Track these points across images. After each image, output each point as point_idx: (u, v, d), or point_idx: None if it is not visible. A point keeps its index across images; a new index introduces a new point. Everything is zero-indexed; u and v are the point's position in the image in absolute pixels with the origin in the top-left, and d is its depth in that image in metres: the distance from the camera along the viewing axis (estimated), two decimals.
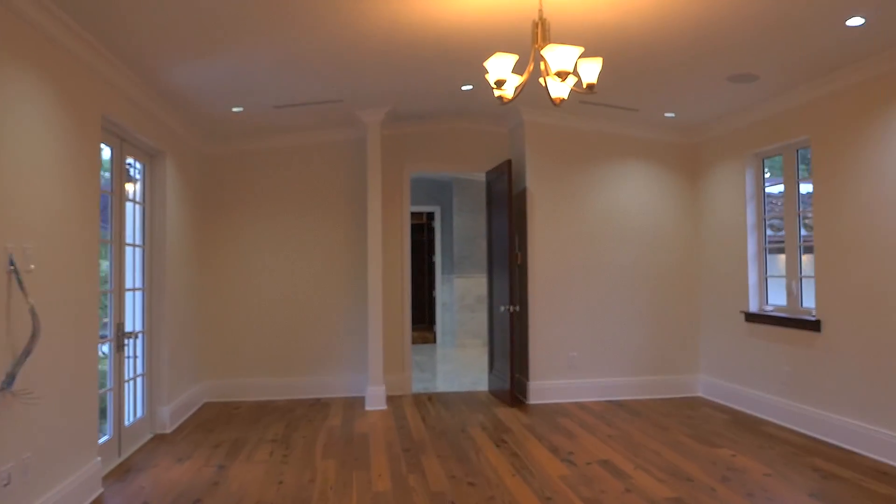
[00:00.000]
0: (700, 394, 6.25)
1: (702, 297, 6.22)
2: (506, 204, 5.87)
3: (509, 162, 5.84)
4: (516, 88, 3.37)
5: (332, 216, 6.39)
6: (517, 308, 5.83)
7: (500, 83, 3.19)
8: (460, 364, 8.47)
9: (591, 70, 3.22)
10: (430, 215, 11.42)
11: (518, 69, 3.84)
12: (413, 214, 14.39)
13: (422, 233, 13.65)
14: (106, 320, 4.28)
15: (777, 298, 5.42)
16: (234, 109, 5.23)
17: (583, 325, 6.07)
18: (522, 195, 6.15)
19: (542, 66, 3.30)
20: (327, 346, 6.35)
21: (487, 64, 3.19)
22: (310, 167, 6.40)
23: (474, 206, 10.39)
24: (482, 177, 10.18)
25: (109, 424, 4.27)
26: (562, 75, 3.04)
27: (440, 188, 10.81)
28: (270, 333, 6.30)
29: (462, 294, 10.27)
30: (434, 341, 11.00)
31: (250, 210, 6.33)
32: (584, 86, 3.25)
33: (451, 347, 10.26)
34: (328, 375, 6.34)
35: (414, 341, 11.16)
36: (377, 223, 5.84)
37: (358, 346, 6.36)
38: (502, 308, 5.87)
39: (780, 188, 5.36)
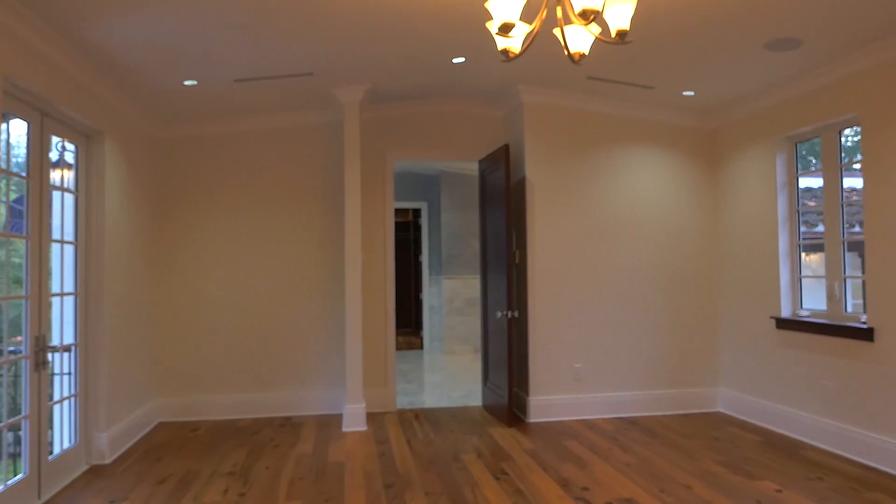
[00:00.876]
0: (720, 409, 5.56)
1: (723, 300, 5.54)
2: (502, 196, 5.16)
3: (506, 147, 5.12)
4: (525, 39, 2.65)
5: (305, 211, 5.65)
6: (516, 314, 5.12)
7: (506, 28, 2.47)
8: (450, 373, 7.74)
9: (621, 14, 2.51)
10: (417, 212, 10.69)
11: (527, 18, 3.13)
12: (398, 211, 13.69)
13: (407, 231, 12.91)
14: (19, 337, 3.50)
15: (812, 302, 4.74)
16: (187, 83, 4.47)
17: (589, 332, 5.37)
18: (521, 186, 5.44)
19: (559, 13, 2.60)
20: (300, 357, 5.60)
21: (490, 5, 2.47)
22: (280, 156, 5.65)
23: (464, 202, 9.68)
24: (473, 170, 9.55)
25: (25, 460, 3.50)
26: (587, 15, 2.33)
27: (427, 183, 10.09)
28: (235, 343, 5.54)
29: (451, 296, 9.55)
30: (421, 347, 10.27)
31: (213, 204, 5.56)
32: (614, 34, 2.54)
33: (440, 354, 9.54)
34: (301, 390, 5.59)
35: (399, 347, 10.44)
36: (356, 218, 5.10)
37: (335, 357, 5.62)
38: (499, 314, 5.16)
39: (811, 181, 4.69)
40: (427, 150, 5.87)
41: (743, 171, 5.26)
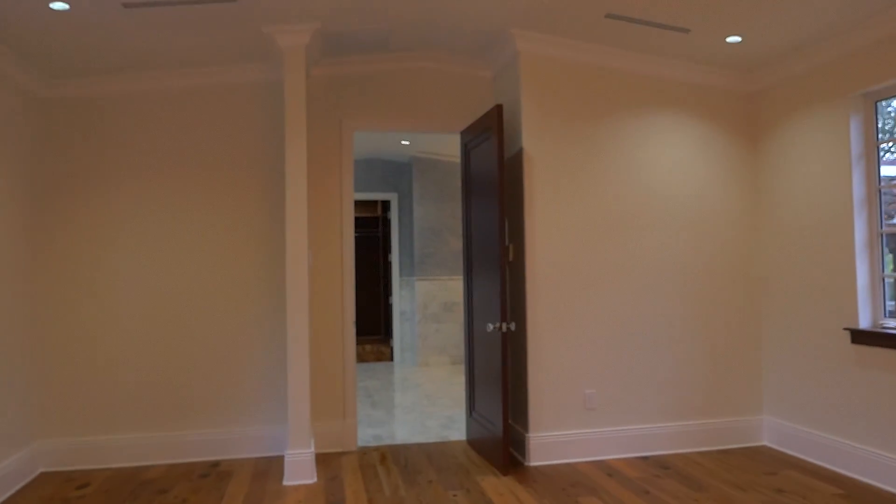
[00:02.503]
0: (765, 443, 4.44)
1: (771, 306, 4.42)
2: (492, 175, 3.96)
3: (499, 109, 3.93)
4: None
5: (240, 198, 4.38)
6: (511, 326, 3.93)
7: None
8: (425, 392, 6.53)
9: None
10: (386, 205, 9.47)
11: None
12: (364, 204, 12.44)
13: (375, 227, 11.66)
14: None
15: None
16: (55, 6, 3.18)
17: (604, 349, 4.20)
18: (516, 162, 4.25)
19: None
20: (233, 383, 4.33)
21: None
22: (205, 125, 4.37)
23: (439, 193, 8.47)
24: (450, 154, 8.28)
25: None
26: None
27: (396, 171, 8.86)
28: (146, 368, 4.25)
29: (425, 301, 8.34)
30: (391, 358, 9.03)
31: (114, 189, 4.26)
32: None
33: (412, 366, 8.31)
34: (232, 426, 4.32)
35: (366, 358, 9.21)
36: (300, 206, 3.84)
37: (280, 383, 4.37)
38: (489, 326, 3.95)
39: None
40: (395, 118, 4.64)
41: (798, 142, 4.14)
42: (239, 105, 4.40)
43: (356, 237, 11.36)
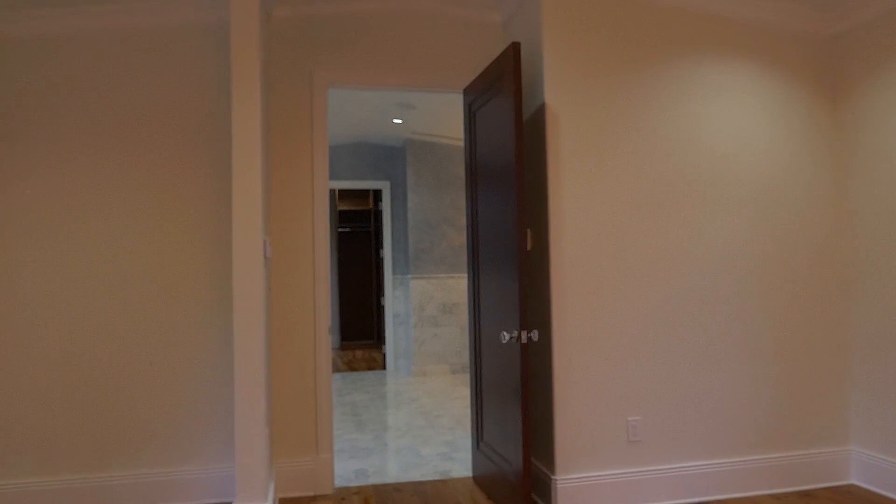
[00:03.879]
0: (854, 481, 3.50)
1: (860, 309, 3.47)
2: (506, 139, 3.00)
3: (515, 48, 2.97)
4: None
5: (178, 180, 3.41)
6: (533, 336, 2.97)
7: None
8: (421, 409, 5.57)
9: None
10: (377, 195, 8.52)
11: None
12: (355, 196, 11.41)
13: (367, 220, 10.70)
14: None
15: None
16: None
17: (650, 364, 3.25)
18: (537, 122, 3.30)
19: None
20: (170, 414, 3.36)
21: None
22: (140, 78, 3.40)
23: (437, 180, 7.51)
24: (449, 135, 7.05)
25: None
26: None
27: (388, 156, 7.91)
28: (56, 393, 3.28)
29: (421, 302, 7.38)
30: (383, 366, 8.08)
31: (16, 157, 3.30)
32: None
33: (407, 376, 7.35)
34: (171, 467, 3.35)
35: (356, 366, 8.21)
36: (251, 180, 2.88)
37: (230, 412, 3.40)
38: (505, 336, 2.99)
39: None
40: (381, 72, 3.69)
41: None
42: (182, 55, 3.43)
43: (345, 232, 10.40)
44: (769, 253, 3.44)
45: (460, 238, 7.53)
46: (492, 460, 3.34)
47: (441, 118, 6.50)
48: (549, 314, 3.15)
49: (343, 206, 10.59)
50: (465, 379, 7.06)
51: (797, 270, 3.48)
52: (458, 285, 7.47)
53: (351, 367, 8.27)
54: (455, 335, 7.46)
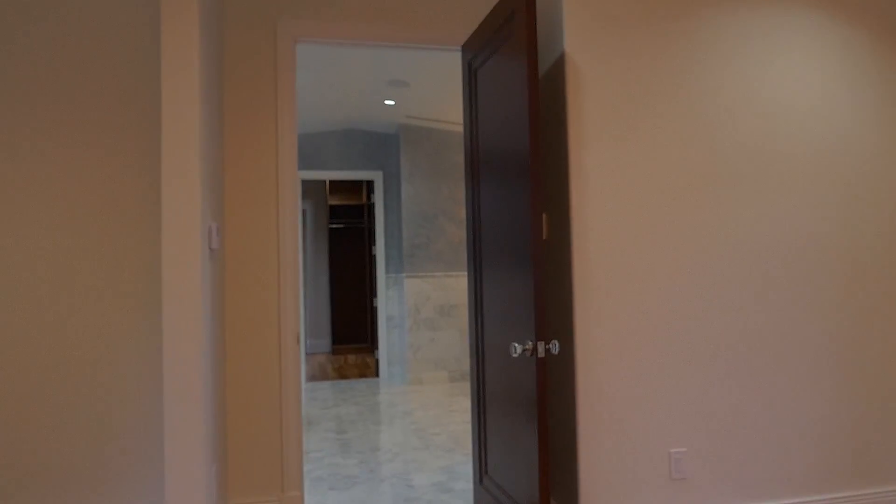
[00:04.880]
0: None
1: None
2: (516, 97, 2.35)
3: None
4: None
5: (100, 155, 2.75)
6: (552, 348, 2.32)
7: None
8: (416, 424, 4.91)
9: None
10: (369, 187, 7.86)
11: None
12: (347, 189, 10.66)
13: (360, 216, 10.04)
14: None
15: None
16: None
17: (699, 382, 2.59)
18: (555, 79, 2.65)
19: None
20: (90, 443, 2.70)
21: None
22: (46, 20, 2.74)
23: (433, 168, 6.86)
24: (446, 120, 6.38)
25: None
26: None
27: (381, 144, 7.26)
28: None
29: (416, 303, 6.73)
30: (376, 373, 7.42)
31: None
32: None
33: (401, 385, 6.70)
34: None
35: (347, 374, 7.47)
36: (186, 148, 2.22)
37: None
38: (516, 348, 2.32)
39: None
40: (362, 22, 3.03)
41: None
42: (103, 6, 2.77)
43: (338, 228, 9.75)
44: (844, 248, 2.78)
45: (460, 233, 6.88)
46: (498, 501, 2.68)
47: (438, 99, 5.85)
48: (572, 320, 2.49)
49: (335, 201, 9.94)
50: (465, 388, 6.41)
51: (880, 269, 2.82)
52: (457, 284, 6.82)
53: (341, 374, 7.61)
54: (454, 339, 6.80)
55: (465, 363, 6.84)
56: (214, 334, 2.48)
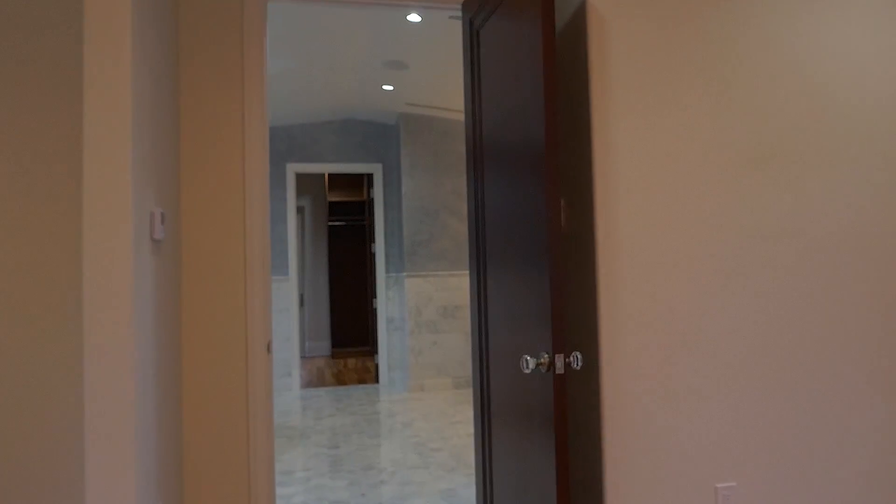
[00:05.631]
0: None
1: None
2: (528, 61, 1.90)
3: None
4: None
5: (16, 128, 2.31)
6: (574, 362, 1.87)
7: None
8: (416, 437, 4.46)
9: None
10: (369, 181, 7.43)
11: None
12: (346, 185, 10.19)
13: (360, 213, 9.62)
14: None
15: None
16: None
17: (749, 404, 2.13)
18: (574, 35, 2.19)
19: None
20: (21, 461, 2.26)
21: None
22: None
23: (435, 160, 6.42)
24: (449, 107, 5.54)
25: None
26: None
27: (380, 135, 6.82)
28: None
29: (418, 303, 6.29)
30: (376, 379, 6.98)
31: None
32: None
33: (402, 392, 6.26)
34: None
35: (346, 379, 6.96)
36: (120, 140, 1.78)
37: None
38: (529, 363, 1.87)
39: None
40: None
41: None
42: None
43: (338, 226, 9.32)
44: None
45: (464, 229, 6.43)
46: None
47: (440, 83, 5.41)
48: (595, 327, 2.04)
49: (334, 198, 9.51)
50: (470, 395, 5.96)
51: None
52: (461, 284, 6.38)
53: (339, 379, 7.18)
54: (458, 343, 6.36)
55: (470, 369, 6.39)
56: (160, 345, 2.05)
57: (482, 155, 2.42)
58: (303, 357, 9.14)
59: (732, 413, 2.11)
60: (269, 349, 2.43)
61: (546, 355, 1.85)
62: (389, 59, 4.84)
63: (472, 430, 4.71)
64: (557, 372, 1.82)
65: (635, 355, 2.03)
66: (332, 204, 9.52)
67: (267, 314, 2.43)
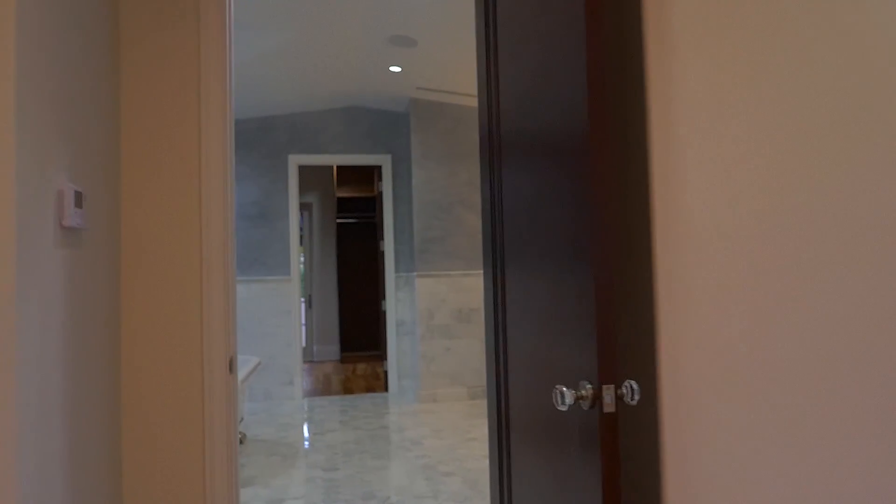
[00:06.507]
0: None
1: None
2: (562, 11, 1.40)
3: None
4: None
5: None
6: (628, 394, 1.35)
7: None
8: (425, 458, 3.96)
9: None
10: (378, 174, 6.94)
11: None
12: (355, 180, 9.66)
13: (371, 210, 9.14)
14: None
15: None
16: None
17: (866, 448, 1.58)
18: None
19: None
20: None
21: None
22: None
23: (448, 150, 5.91)
24: (462, 91, 4.61)
25: None
26: None
27: (389, 123, 6.33)
28: None
29: (430, 306, 5.78)
30: (385, 388, 6.49)
31: None
32: None
33: (413, 403, 5.76)
34: None
35: (353, 387, 6.40)
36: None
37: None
38: (566, 396, 1.36)
39: None
40: None
41: None
42: None
43: (347, 224, 8.84)
44: None
45: (480, 224, 5.92)
46: None
47: (452, 62, 4.89)
48: (654, 348, 1.52)
49: (343, 193, 9.04)
50: (486, 408, 5.44)
51: None
52: (477, 285, 5.86)
53: (346, 387, 6.70)
54: (473, 350, 5.84)
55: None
56: (79, 366, 1.56)
57: (498, 137, 1.91)
58: (311, 362, 8.68)
59: (842, 462, 1.57)
60: (231, 367, 1.94)
61: (589, 386, 1.33)
62: (395, 34, 4.34)
63: (487, 448, 4.20)
64: (606, 411, 1.30)
65: (705, 380, 1.50)
66: (340, 200, 9.05)
67: (229, 324, 1.93)
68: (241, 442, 4.50)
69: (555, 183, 1.49)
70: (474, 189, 5.90)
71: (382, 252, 6.37)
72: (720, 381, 1.43)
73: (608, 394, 1.30)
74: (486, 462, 3.90)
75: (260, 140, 6.05)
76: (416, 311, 5.80)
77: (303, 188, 8.77)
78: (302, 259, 9.56)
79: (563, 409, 1.35)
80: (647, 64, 1.54)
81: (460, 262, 5.83)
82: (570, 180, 1.41)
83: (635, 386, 1.34)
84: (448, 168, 5.86)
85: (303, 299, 10.31)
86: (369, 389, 6.51)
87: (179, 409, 1.89)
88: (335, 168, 8.82)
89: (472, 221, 5.88)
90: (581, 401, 1.34)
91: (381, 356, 8.85)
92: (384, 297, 6.36)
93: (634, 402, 1.35)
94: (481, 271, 5.87)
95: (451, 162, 5.86)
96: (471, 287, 5.83)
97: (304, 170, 8.74)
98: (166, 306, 1.90)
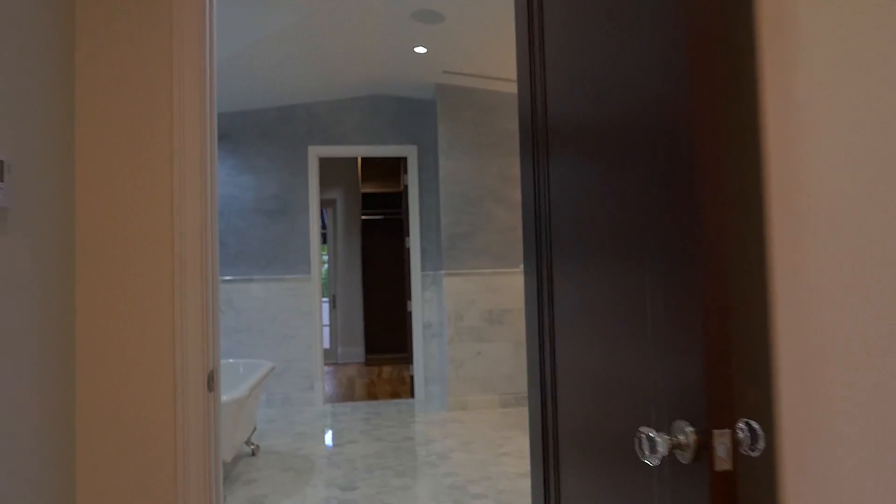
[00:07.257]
0: None
1: None
2: None
3: None
4: None
5: None
6: (746, 440, 0.94)
7: None
8: (451, 480, 3.55)
9: None
10: (404, 166, 6.56)
11: None
12: (380, 174, 9.28)
13: (397, 206, 8.78)
14: None
15: None
16: None
17: None
18: None
19: None
20: None
21: None
22: None
23: (478, 139, 5.50)
24: (493, 75, 4.40)
25: None
26: None
27: (414, 112, 5.95)
28: None
29: (458, 307, 5.38)
30: (411, 394, 6.11)
31: None
32: None
33: (440, 410, 5.36)
34: None
35: (378, 392, 6.06)
36: None
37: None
38: (658, 445, 0.96)
39: None
40: None
41: None
42: None
43: (372, 220, 8.49)
44: None
45: (512, 220, 5.50)
46: None
47: (483, 41, 4.49)
48: (769, 377, 1.09)
49: (368, 189, 8.69)
50: (520, 417, 5.03)
51: None
52: (509, 284, 5.44)
53: (371, 393, 6.34)
54: (506, 354, 5.43)
55: (521, 384, 5.45)
56: (19, 385, 1.19)
57: (544, 120, 1.50)
58: (335, 364, 8.35)
59: None
60: (210, 384, 1.56)
61: (690, 429, 0.91)
62: (420, 8, 3.95)
63: (523, 465, 3.78)
64: (719, 468, 0.88)
65: (841, 416, 1.07)
66: (365, 196, 8.71)
67: (208, 334, 1.55)
68: (253, 454, 4.15)
69: (636, 176, 1.08)
70: (505, 181, 5.48)
71: (408, 249, 5.99)
72: (856, 410, 0.97)
73: (722, 443, 0.88)
74: (522, 482, 3.49)
75: (278, 131, 5.72)
76: (443, 312, 5.41)
77: (327, 184, 8.45)
78: (326, 258, 9.24)
79: (655, 462, 0.94)
80: (758, 19, 1.10)
81: (490, 260, 5.42)
82: (662, 175, 0.99)
83: (757, 428, 0.92)
84: (477, 159, 5.45)
85: (326, 299, 9.98)
86: (395, 395, 6.13)
87: (143, 438, 1.52)
88: (360, 162, 8.48)
89: (503, 216, 5.46)
90: (678, 450, 0.93)
91: (408, 358, 8.48)
92: (410, 298, 5.98)
93: (757, 454, 0.93)
94: (513, 269, 5.45)
95: (480, 152, 5.46)
96: (501, 286, 5.42)
97: (327, 165, 8.41)
98: (128, 313, 1.53)
